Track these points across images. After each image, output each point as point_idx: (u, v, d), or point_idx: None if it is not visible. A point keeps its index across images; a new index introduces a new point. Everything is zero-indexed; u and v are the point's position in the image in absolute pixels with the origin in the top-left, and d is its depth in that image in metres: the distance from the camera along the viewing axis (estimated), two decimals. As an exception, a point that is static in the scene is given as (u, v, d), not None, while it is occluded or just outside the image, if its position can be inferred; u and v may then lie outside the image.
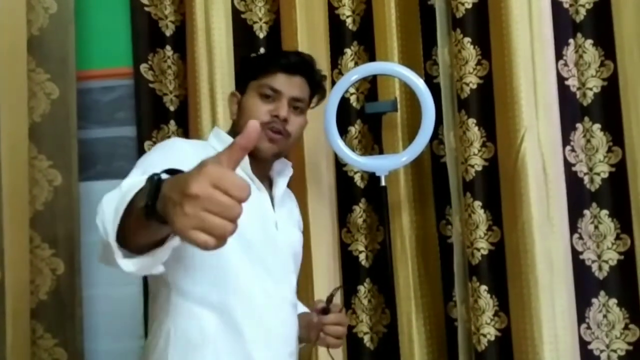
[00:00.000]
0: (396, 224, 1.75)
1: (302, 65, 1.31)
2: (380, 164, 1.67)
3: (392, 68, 1.70)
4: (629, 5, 1.69)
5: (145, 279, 1.62)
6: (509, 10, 1.63)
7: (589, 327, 1.67)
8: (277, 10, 1.88)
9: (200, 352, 1.15)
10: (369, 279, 1.80)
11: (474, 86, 1.70)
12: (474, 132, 1.68)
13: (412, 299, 1.72)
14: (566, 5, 1.73)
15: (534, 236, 1.57)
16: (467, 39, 1.70)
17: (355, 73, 1.69)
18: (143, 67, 1.94)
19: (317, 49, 1.78)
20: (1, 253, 1.71)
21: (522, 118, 1.61)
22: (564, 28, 1.72)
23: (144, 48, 1.96)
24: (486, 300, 1.64)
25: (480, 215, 1.66)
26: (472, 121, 1.69)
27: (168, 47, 1.95)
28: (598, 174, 1.71)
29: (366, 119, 1.83)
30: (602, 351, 1.67)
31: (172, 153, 1.17)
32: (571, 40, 1.73)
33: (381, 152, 1.79)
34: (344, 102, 1.74)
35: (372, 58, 1.81)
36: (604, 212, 1.69)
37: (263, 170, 1.30)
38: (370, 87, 1.83)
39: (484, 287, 1.64)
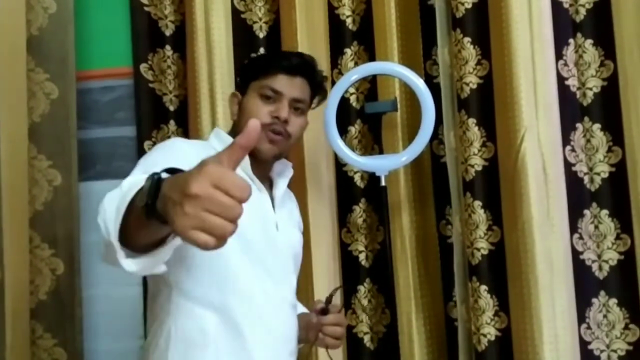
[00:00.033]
0: (396, 224, 1.75)
1: (303, 66, 1.31)
2: (380, 164, 1.67)
3: (392, 68, 1.70)
4: (629, 5, 1.69)
5: (145, 279, 1.61)
6: (509, 10, 1.63)
7: (589, 327, 1.67)
8: (277, 10, 1.88)
9: (201, 352, 1.15)
10: (369, 279, 1.80)
11: (474, 86, 1.70)
12: (474, 132, 1.68)
13: (412, 299, 1.72)
14: (566, 5, 1.73)
15: (534, 236, 1.57)
16: (467, 39, 1.70)
17: (355, 73, 1.69)
18: (143, 67, 1.94)
19: (317, 48, 1.78)
20: (1, 253, 1.71)
21: (522, 118, 1.61)
22: (564, 28, 1.72)
23: (144, 48, 1.95)
24: (486, 300, 1.64)
25: (480, 215, 1.66)
26: (472, 121, 1.69)
27: (168, 47, 1.95)
28: (598, 174, 1.71)
29: (366, 119, 1.83)
30: (602, 351, 1.66)
31: (173, 153, 1.17)
32: (571, 40, 1.73)
33: (381, 152, 1.79)
34: (344, 102, 1.74)
35: (372, 58, 1.81)
36: (604, 212, 1.69)
37: (263, 171, 1.29)
38: (370, 87, 1.83)
39: (484, 287, 1.64)
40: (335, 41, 1.85)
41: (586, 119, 1.72)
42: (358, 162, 1.69)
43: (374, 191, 1.77)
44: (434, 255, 1.78)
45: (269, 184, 1.32)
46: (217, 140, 1.30)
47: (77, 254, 1.86)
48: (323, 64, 1.71)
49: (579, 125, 1.72)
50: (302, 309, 1.41)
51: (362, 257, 1.80)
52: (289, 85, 1.27)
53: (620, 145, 1.69)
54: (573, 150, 1.71)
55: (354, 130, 1.83)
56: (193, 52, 1.83)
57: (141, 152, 1.88)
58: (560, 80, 1.70)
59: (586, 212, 1.70)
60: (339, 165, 1.83)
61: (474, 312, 1.64)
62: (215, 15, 1.83)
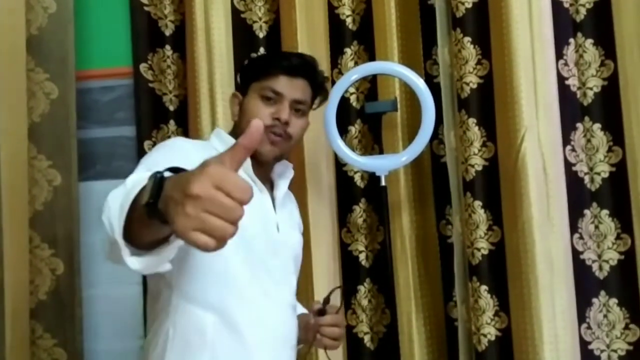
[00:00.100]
0: (396, 224, 1.74)
1: (304, 68, 1.30)
2: (380, 164, 1.67)
3: (392, 68, 1.70)
4: (629, 4, 1.69)
5: (145, 279, 1.61)
6: (509, 9, 1.63)
7: (589, 327, 1.67)
8: (277, 10, 1.88)
9: (199, 353, 1.15)
10: (369, 279, 1.80)
11: (474, 86, 1.70)
12: (474, 131, 1.68)
13: (412, 299, 1.72)
14: (566, 5, 1.73)
15: (534, 236, 1.57)
16: (467, 39, 1.70)
17: (355, 73, 1.69)
18: (143, 67, 1.94)
19: (317, 48, 1.78)
20: (1, 253, 1.71)
21: (522, 118, 1.60)
22: (564, 28, 1.72)
23: (144, 48, 1.95)
24: (486, 300, 1.64)
25: (480, 215, 1.66)
26: (472, 121, 1.69)
27: (168, 47, 1.95)
28: (598, 174, 1.71)
29: (366, 119, 1.83)
30: (602, 351, 1.66)
31: (175, 152, 1.16)
32: (571, 40, 1.73)
33: (381, 152, 1.79)
34: (344, 102, 1.74)
35: (372, 58, 1.81)
36: (605, 211, 1.69)
37: (265, 172, 1.29)
38: (370, 86, 1.83)
39: (484, 287, 1.64)
40: (335, 41, 1.85)
41: (586, 118, 1.72)
42: (358, 162, 1.68)
43: (374, 191, 1.77)
44: (434, 255, 1.78)
45: (269, 185, 1.32)
46: (218, 141, 1.30)
47: (77, 254, 1.86)
48: (323, 64, 1.71)
49: (579, 125, 1.72)
50: (301, 309, 1.40)
51: (362, 257, 1.80)
52: (290, 87, 1.27)
53: (621, 145, 1.69)
54: (573, 150, 1.71)
55: (354, 130, 1.83)
56: (193, 52, 1.83)
57: (141, 152, 1.88)
58: (561, 80, 1.70)
59: (586, 212, 1.70)
60: (339, 165, 1.82)
61: (474, 312, 1.64)
62: (215, 15, 1.83)
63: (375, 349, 1.79)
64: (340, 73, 1.82)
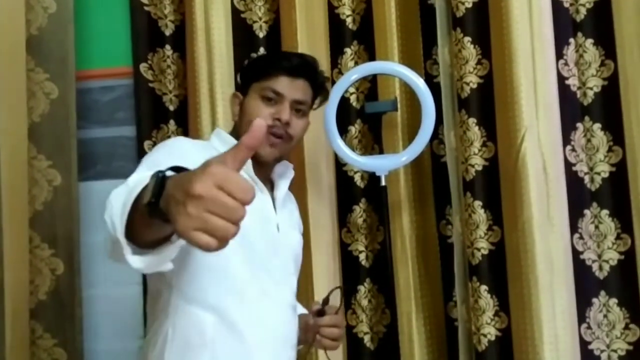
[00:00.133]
0: (396, 224, 1.74)
1: (304, 68, 1.30)
2: (380, 164, 1.67)
3: (392, 67, 1.70)
4: (629, 4, 1.69)
5: (145, 279, 1.61)
6: (509, 9, 1.63)
7: (589, 327, 1.67)
8: (277, 10, 1.88)
9: (198, 354, 1.15)
10: (369, 279, 1.80)
11: (474, 86, 1.70)
12: (474, 131, 1.68)
13: (412, 299, 1.72)
14: (566, 5, 1.73)
15: (534, 236, 1.57)
16: (467, 39, 1.70)
17: (355, 72, 1.69)
18: (143, 67, 1.94)
19: (317, 48, 1.78)
20: (1, 253, 1.71)
21: (523, 118, 1.60)
22: (564, 27, 1.72)
23: (144, 47, 1.95)
24: (486, 300, 1.64)
25: (480, 215, 1.66)
26: (472, 121, 1.68)
27: (168, 47, 1.95)
28: (598, 174, 1.71)
29: (366, 119, 1.82)
30: (602, 351, 1.66)
31: (176, 151, 1.16)
32: (571, 40, 1.73)
33: (381, 151, 1.79)
34: (344, 102, 1.74)
35: (372, 57, 1.81)
36: (605, 211, 1.69)
37: (265, 173, 1.29)
38: (370, 86, 1.83)
39: (484, 287, 1.64)
40: (335, 41, 1.85)
41: (586, 118, 1.72)
42: (358, 161, 1.68)
43: (374, 191, 1.77)
44: (434, 255, 1.78)
45: (270, 185, 1.32)
46: (219, 141, 1.29)
47: (77, 254, 1.86)
48: (323, 64, 1.70)
49: (579, 124, 1.72)
50: (301, 309, 1.40)
51: (362, 257, 1.80)
52: (291, 87, 1.26)
53: (621, 145, 1.69)
54: (573, 150, 1.71)
55: (354, 130, 1.83)
56: (193, 52, 1.83)
57: (141, 152, 1.88)
58: (561, 79, 1.70)
59: (586, 212, 1.70)
60: (339, 165, 1.82)
61: (474, 312, 1.64)
62: (215, 15, 1.83)
63: (375, 349, 1.79)
64: (340, 73, 1.81)
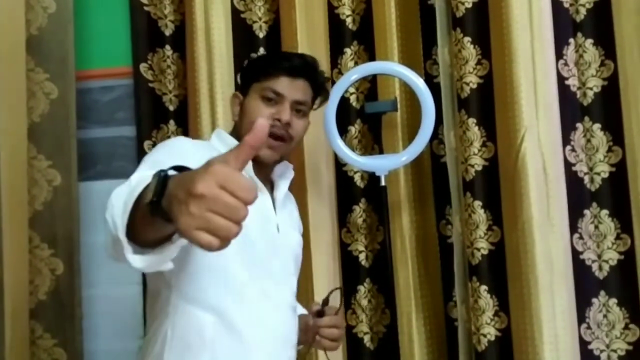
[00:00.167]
0: (396, 224, 1.74)
1: (305, 68, 1.30)
2: (380, 164, 1.67)
3: (392, 67, 1.70)
4: (629, 4, 1.69)
5: (144, 279, 1.61)
6: (509, 9, 1.63)
7: (589, 327, 1.67)
8: (277, 10, 1.88)
9: (198, 354, 1.15)
10: (369, 279, 1.80)
11: (474, 86, 1.70)
12: (474, 131, 1.68)
13: (412, 299, 1.72)
14: (566, 5, 1.73)
15: (534, 236, 1.57)
16: (467, 39, 1.70)
17: (355, 72, 1.69)
18: (142, 67, 1.94)
19: (316, 48, 1.78)
20: (0, 253, 1.71)
21: (522, 118, 1.60)
22: (564, 27, 1.72)
23: (144, 47, 1.95)
24: (486, 300, 1.64)
25: (480, 215, 1.66)
26: (472, 121, 1.69)
27: (167, 47, 1.95)
28: (598, 174, 1.71)
29: (366, 119, 1.83)
30: (602, 351, 1.67)
31: (176, 151, 1.16)
32: (571, 40, 1.73)
33: (381, 151, 1.79)
34: (343, 102, 1.74)
35: (372, 57, 1.81)
36: (604, 211, 1.69)
37: (265, 173, 1.29)
38: (370, 86, 1.83)
39: (484, 287, 1.64)
40: (335, 41, 1.85)
41: (586, 118, 1.72)
42: (358, 162, 1.68)
43: (374, 191, 1.77)
44: (434, 255, 1.78)
45: (270, 185, 1.32)
46: (219, 141, 1.29)
47: (77, 254, 1.86)
48: (323, 64, 1.70)
49: (579, 125, 1.72)
50: (301, 310, 1.40)
51: (362, 257, 1.80)
52: (291, 87, 1.26)
53: (621, 145, 1.69)
54: (573, 150, 1.71)
55: (354, 130, 1.83)
56: (193, 52, 1.83)
57: (141, 152, 1.88)
58: (561, 80, 1.70)
59: (586, 212, 1.70)
60: (339, 165, 1.82)
61: (474, 312, 1.64)
62: (215, 15, 1.83)
63: (375, 349, 1.79)
64: (340, 73, 1.81)
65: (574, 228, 1.68)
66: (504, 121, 1.64)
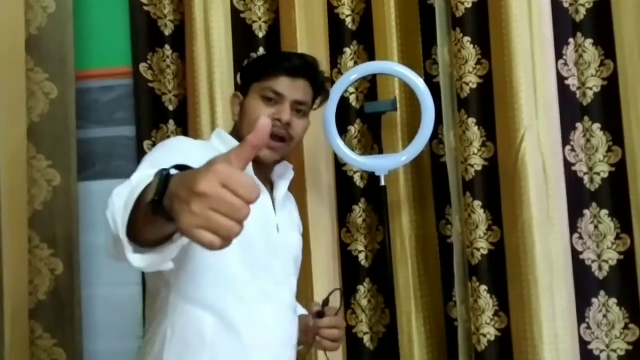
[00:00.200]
0: (396, 224, 1.74)
1: (305, 68, 1.30)
2: (380, 164, 1.67)
3: (392, 67, 1.70)
4: (629, 4, 1.69)
5: (144, 279, 1.61)
6: (509, 9, 1.63)
7: (589, 327, 1.67)
8: (277, 10, 1.88)
9: (198, 354, 1.15)
10: (368, 279, 1.80)
11: (474, 86, 1.70)
12: (474, 131, 1.68)
13: (412, 299, 1.72)
14: (566, 5, 1.73)
15: (534, 236, 1.57)
16: (467, 39, 1.70)
17: (354, 72, 1.69)
18: (142, 67, 1.94)
19: (316, 48, 1.78)
20: (0, 253, 1.71)
21: (522, 118, 1.60)
22: (564, 27, 1.72)
23: (143, 47, 1.95)
24: (486, 300, 1.64)
25: (480, 215, 1.66)
26: (472, 121, 1.69)
27: (167, 47, 1.95)
28: (598, 174, 1.71)
29: (366, 119, 1.82)
30: (602, 351, 1.67)
31: (176, 151, 1.16)
32: (571, 40, 1.73)
33: (381, 151, 1.79)
34: (343, 102, 1.74)
35: (371, 57, 1.81)
36: (604, 211, 1.69)
37: (265, 173, 1.29)
38: (370, 86, 1.82)
39: (484, 287, 1.64)
40: (335, 41, 1.85)
41: (586, 118, 1.73)
42: (358, 161, 1.68)
43: (374, 191, 1.77)
44: (434, 255, 1.78)
45: (269, 185, 1.32)
46: (219, 141, 1.29)
47: (77, 254, 1.86)
48: (323, 64, 1.70)
49: (579, 125, 1.72)
50: (301, 310, 1.40)
51: (362, 257, 1.80)
52: (291, 88, 1.26)
53: (620, 145, 1.69)
54: (573, 150, 1.71)
55: (353, 130, 1.83)
56: (192, 52, 1.83)
57: (140, 152, 1.88)
58: (560, 80, 1.70)
59: (586, 212, 1.70)
60: (339, 165, 1.82)
61: (473, 312, 1.64)
62: (215, 14, 1.83)
63: (375, 349, 1.79)
64: (340, 73, 1.81)
65: (573, 228, 1.68)
66: (504, 121, 1.64)
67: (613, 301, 1.67)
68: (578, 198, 1.69)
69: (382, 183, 1.67)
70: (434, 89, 1.68)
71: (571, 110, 1.71)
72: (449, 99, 1.74)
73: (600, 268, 1.69)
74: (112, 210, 0.86)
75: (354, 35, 1.85)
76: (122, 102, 1.99)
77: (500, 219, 1.65)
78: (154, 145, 1.88)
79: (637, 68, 1.68)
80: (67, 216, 1.85)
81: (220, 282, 1.17)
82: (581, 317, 1.66)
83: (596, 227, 1.70)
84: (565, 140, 1.70)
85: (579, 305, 1.65)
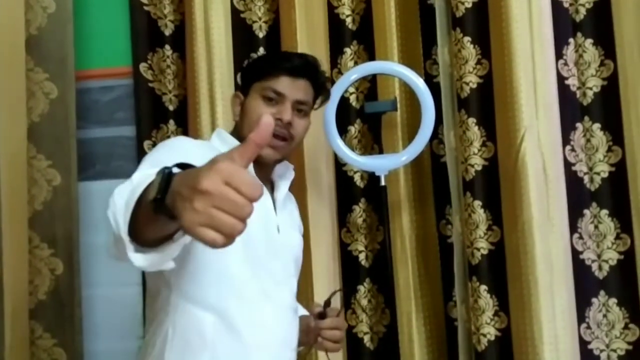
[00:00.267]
0: (396, 224, 1.74)
1: (306, 68, 1.29)
2: (380, 164, 1.67)
3: (392, 67, 1.70)
4: (629, 4, 1.69)
5: (144, 279, 1.61)
6: (509, 9, 1.63)
7: (589, 327, 1.67)
8: (277, 10, 1.88)
9: (198, 354, 1.15)
10: (368, 278, 1.80)
11: (474, 85, 1.70)
12: (474, 131, 1.68)
13: (412, 299, 1.72)
14: (566, 5, 1.73)
15: (534, 236, 1.57)
16: (467, 38, 1.70)
17: (354, 72, 1.69)
18: (142, 67, 1.94)
19: (316, 48, 1.78)
20: (0, 253, 1.71)
21: (522, 118, 1.61)
22: (564, 27, 1.72)
23: (143, 47, 1.95)
24: (486, 300, 1.64)
25: (480, 215, 1.66)
26: (472, 121, 1.69)
27: (167, 47, 1.95)
28: (598, 174, 1.71)
29: (366, 119, 1.82)
30: (602, 351, 1.67)
31: (177, 150, 1.16)
32: (571, 40, 1.73)
33: (381, 151, 1.79)
34: (343, 102, 1.74)
35: (371, 57, 1.81)
36: (604, 211, 1.69)
37: (265, 173, 1.28)
38: (370, 86, 1.83)
39: (484, 287, 1.64)
40: (335, 40, 1.85)
41: (586, 118, 1.73)
42: (358, 161, 1.68)
43: (374, 191, 1.77)
44: (434, 255, 1.78)
45: (270, 186, 1.31)
46: (220, 141, 1.29)
47: (77, 254, 1.86)
48: (323, 64, 1.70)
49: (579, 124, 1.72)
50: (302, 310, 1.40)
51: (362, 257, 1.80)
52: (292, 87, 1.26)
53: (620, 144, 1.69)
54: (573, 150, 1.71)
55: (353, 129, 1.83)
56: (192, 52, 1.83)
57: (141, 152, 1.88)
58: (560, 79, 1.70)
59: (586, 212, 1.70)
60: (339, 165, 1.82)
61: (474, 312, 1.64)
62: (215, 14, 1.83)
63: (375, 349, 1.79)
64: (340, 73, 1.81)
65: (573, 228, 1.68)
66: (504, 121, 1.64)
67: (613, 301, 1.67)
68: (578, 198, 1.69)
69: (382, 183, 1.67)
70: (434, 89, 1.68)
71: (571, 110, 1.71)
72: (449, 99, 1.74)
73: (600, 268, 1.69)
74: (113, 210, 0.86)
75: (354, 35, 1.85)
76: (122, 102, 1.99)
77: (500, 219, 1.65)
78: (154, 145, 1.88)
79: (637, 68, 1.68)
80: (67, 216, 1.85)
81: (220, 281, 1.17)
82: (581, 317, 1.66)
83: (596, 227, 1.70)
84: (565, 140, 1.70)
85: (578, 305, 1.65)
